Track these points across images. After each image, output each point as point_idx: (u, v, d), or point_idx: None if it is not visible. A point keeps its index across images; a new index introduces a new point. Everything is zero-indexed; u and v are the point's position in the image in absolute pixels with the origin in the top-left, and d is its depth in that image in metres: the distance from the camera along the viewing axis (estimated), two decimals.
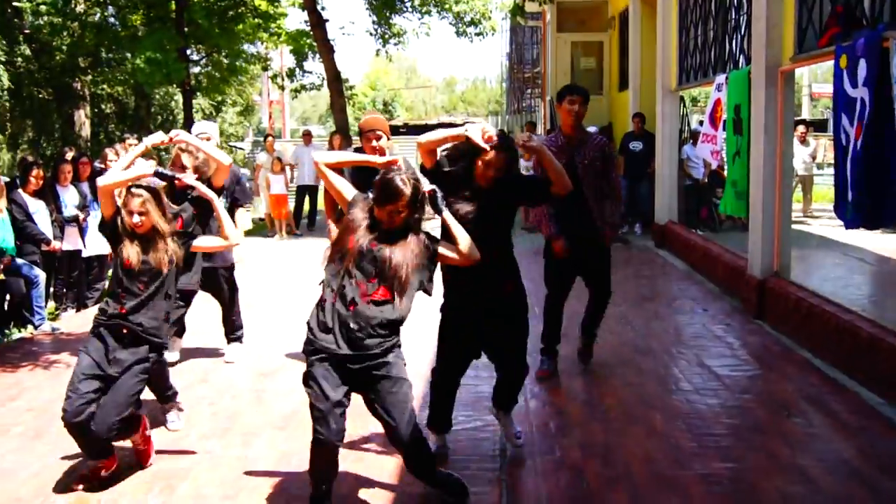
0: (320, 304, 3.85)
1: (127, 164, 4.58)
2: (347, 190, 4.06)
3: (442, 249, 4.00)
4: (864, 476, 4.40)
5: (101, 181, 4.52)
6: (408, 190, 3.79)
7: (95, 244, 9.30)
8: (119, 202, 4.49)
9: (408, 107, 64.08)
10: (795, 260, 7.94)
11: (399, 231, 3.86)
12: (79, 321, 8.71)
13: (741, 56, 9.32)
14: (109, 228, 4.46)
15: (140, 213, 4.31)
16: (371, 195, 3.90)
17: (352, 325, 3.74)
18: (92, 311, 9.13)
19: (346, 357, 3.76)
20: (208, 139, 6.22)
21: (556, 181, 4.47)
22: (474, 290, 4.45)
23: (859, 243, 10.99)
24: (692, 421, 5.23)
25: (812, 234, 12.68)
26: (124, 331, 4.37)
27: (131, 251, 4.34)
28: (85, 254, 9.41)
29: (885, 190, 5.53)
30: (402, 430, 3.85)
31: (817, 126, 23.12)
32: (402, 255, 3.80)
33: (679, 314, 8.32)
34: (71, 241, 9.14)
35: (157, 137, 4.96)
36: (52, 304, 9.30)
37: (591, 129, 14.42)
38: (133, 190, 4.33)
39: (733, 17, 9.75)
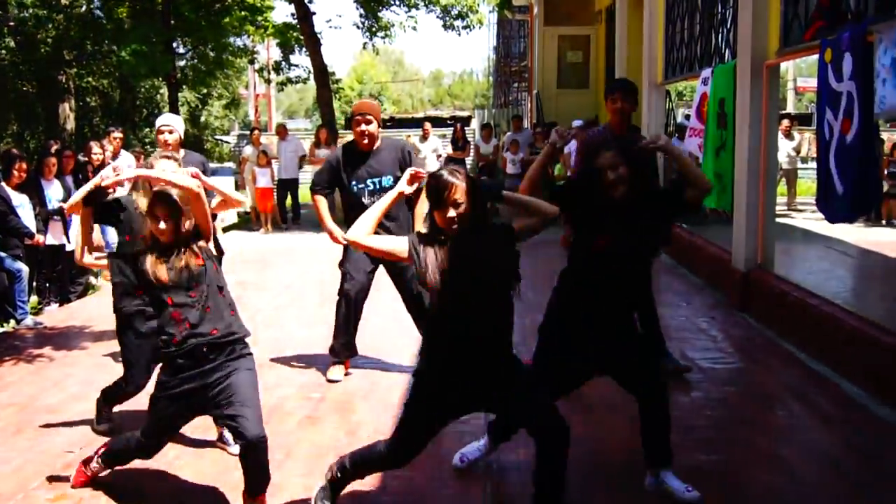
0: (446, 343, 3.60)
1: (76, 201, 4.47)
2: (398, 244, 3.62)
3: (517, 224, 3.66)
4: (846, 468, 4.42)
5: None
6: (460, 178, 3.48)
7: None
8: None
9: (394, 100, 64.00)
10: (779, 253, 7.96)
11: (470, 237, 3.54)
12: (62, 316, 8.67)
13: (727, 50, 9.32)
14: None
15: (167, 220, 3.90)
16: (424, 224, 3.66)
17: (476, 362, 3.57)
18: (75, 306, 9.14)
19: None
20: (171, 132, 5.98)
21: (695, 182, 4.05)
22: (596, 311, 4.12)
23: (842, 236, 11.02)
24: (675, 413, 5.21)
25: (796, 228, 12.70)
26: (204, 348, 3.89)
27: (158, 268, 3.89)
28: (68, 248, 9.32)
29: (868, 181, 5.57)
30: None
31: (802, 120, 23.22)
32: (488, 265, 3.54)
33: (663, 307, 8.29)
34: (54, 236, 9.08)
35: (107, 176, 4.45)
36: (34, 299, 9.25)
37: (576, 122, 14.53)
38: (160, 194, 3.93)
39: (719, 11, 9.74)
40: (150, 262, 3.90)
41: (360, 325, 6.22)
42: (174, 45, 18.87)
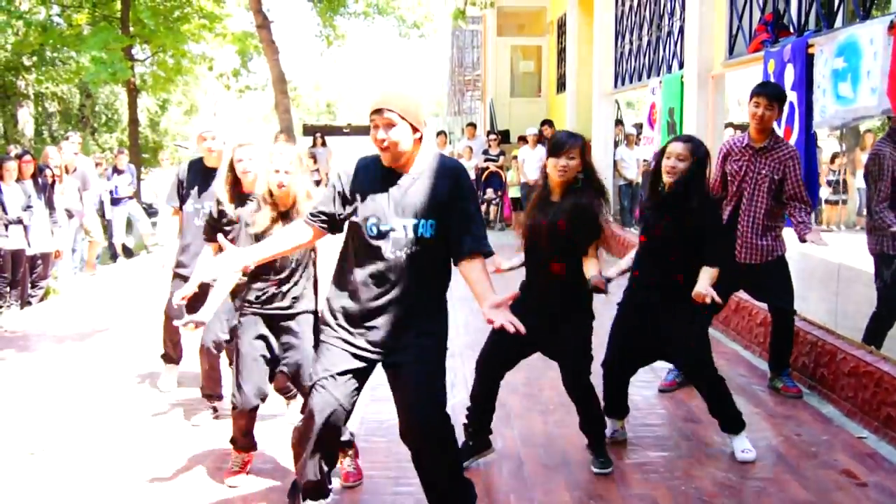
0: None
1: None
2: None
3: None
4: (791, 462, 4.48)
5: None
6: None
7: (39, 242, 9.10)
8: None
9: (352, 107, 63.78)
10: None
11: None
12: (22, 319, 8.51)
13: (674, 61, 9.43)
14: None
15: None
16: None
17: None
18: (35, 309, 8.96)
19: None
20: (213, 138, 5.46)
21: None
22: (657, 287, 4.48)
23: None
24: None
25: None
26: None
27: None
28: (29, 252, 9.16)
29: (812, 184, 5.69)
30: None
31: (745, 129, 23.49)
32: None
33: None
34: (15, 240, 8.89)
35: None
36: None
37: (531, 130, 14.59)
38: None
39: (667, 23, 9.86)
40: None
41: None
42: (133, 51, 18.64)
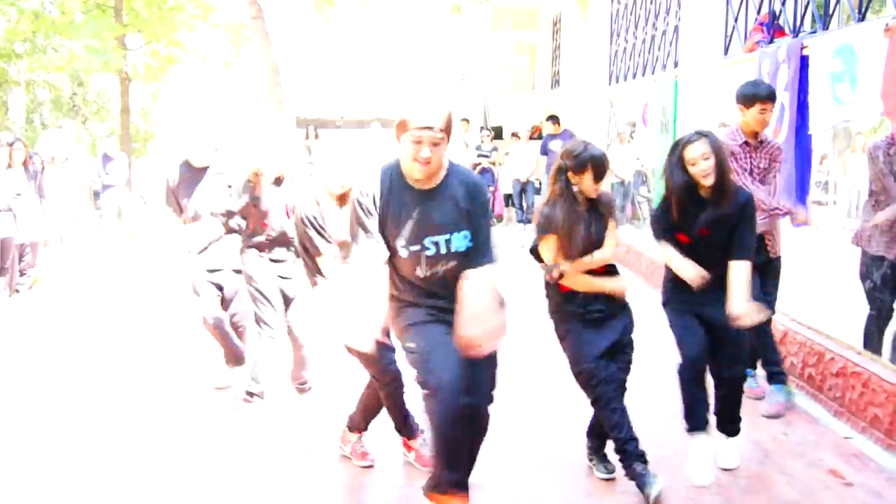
0: None
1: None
2: None
3: None
4: (778, 461, 4.51)
5: None
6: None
7: (28, 230, 9.06)
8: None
9: (345, 100, 63.58)
10: None
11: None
12: (11, 307, 8.48)
13: (669, 60, 9.45)
14: None
15: None
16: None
17: None
18: (24, 297, 8.92)
19: None
20: None
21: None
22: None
23: None
24: None
25: None
26: None
27: None
28: (17, 240, 9.12)
29: (802, 186, 5.70)
30: None
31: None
32: None
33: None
34: (4, 228, 8.85)
35: None
36: None
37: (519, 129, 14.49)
38: None
39: (662, 22, 9.88)
40: None
41: None
42: (126, 40, 18.58)
